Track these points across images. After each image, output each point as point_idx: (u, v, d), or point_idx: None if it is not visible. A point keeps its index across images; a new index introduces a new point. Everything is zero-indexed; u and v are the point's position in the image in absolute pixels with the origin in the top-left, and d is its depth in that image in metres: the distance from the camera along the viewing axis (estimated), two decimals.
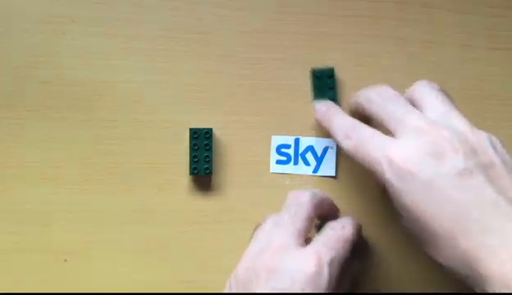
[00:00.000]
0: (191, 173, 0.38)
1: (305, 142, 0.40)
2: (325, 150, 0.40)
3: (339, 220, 0.35)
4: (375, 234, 0.39)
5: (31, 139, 0.38)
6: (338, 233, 0.32)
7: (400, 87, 0.41)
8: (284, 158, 0.40)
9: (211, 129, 0.38)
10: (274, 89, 0.40)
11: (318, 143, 0.40)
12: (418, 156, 0.29)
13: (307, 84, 0.41)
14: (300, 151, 0.40)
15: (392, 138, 0.31)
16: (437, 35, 0.42)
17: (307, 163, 0.40)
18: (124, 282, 0.38)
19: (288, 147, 0.40)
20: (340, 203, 0.39)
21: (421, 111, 0.32)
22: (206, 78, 0.40)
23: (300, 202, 0.33)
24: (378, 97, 0.34)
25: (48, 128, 0.38)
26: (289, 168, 0.40)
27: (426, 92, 0.33)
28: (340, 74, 0.41)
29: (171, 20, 0.40)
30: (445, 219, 0.28)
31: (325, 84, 0.40)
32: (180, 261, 0.38)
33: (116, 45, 0.39)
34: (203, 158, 0.38)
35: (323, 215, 0.36)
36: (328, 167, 0.40)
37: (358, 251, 0.36)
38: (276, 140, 0.40)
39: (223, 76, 0.40)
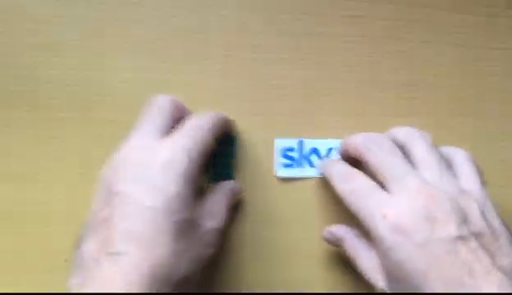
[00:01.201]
0: (212, 180, 0.38)
1: (309, 143, 0.40)
2: (329, 151, 0.40)
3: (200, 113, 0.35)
4: None
5: (31, 139, 0.38)
6: (193, 122, 0.33)
7: (400, 87, 0.42)
8: (289, 161, 0.40)
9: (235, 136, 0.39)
10: (274, 89, 0.40)
11: (322, 145, 0.40)
12: (413, 218, 0.30)
13: (307, 85, 0.41)
14: (304, 153, 0.40)
15: (390, 196, 0.31)
16: (437, 35, 0.42)
17: (311, 165, 0.40)
18: None
19: (292, 149, 0.40)
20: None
21: (412, 164, 0.33)
22: (206, 78, 0.40)
23: (159, 104, 0.34)
24: (376, 148, 0.34)
25: (48, 128, 0.38)
26: (294, 171, 0.40)
27: (421, 148, 0.33)
28: (339, 74, 0.41)
29: (171, 20, 0.40)
30: (437, 280, 0.28)
31: None
32: None
33: (117, 45, 0.39)
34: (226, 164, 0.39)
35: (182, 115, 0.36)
36: None
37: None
38: (280, 143, 0.40)
39: (223, 76, 0.40)
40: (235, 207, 0.39)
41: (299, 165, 0.40)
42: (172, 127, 0.33)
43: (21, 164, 0.38)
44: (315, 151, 0.40)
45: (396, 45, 0.42)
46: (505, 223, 0.31)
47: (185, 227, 0.29)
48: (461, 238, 0.29)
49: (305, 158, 0.40)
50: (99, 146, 0.39)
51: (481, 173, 0.34)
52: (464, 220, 0.30)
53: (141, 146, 0.31)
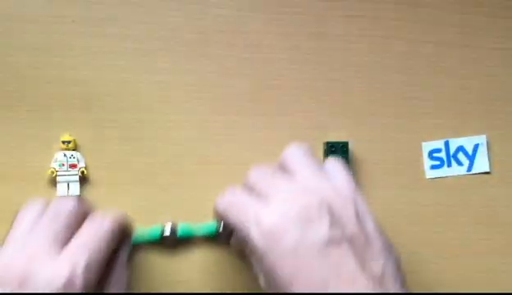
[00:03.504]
0: None
1: (455, 143, 0.41)
2: (475, 147, 0.41)
3: (100, 213, 0.33)
4: None
5: (31, 139, 0.38)
6: (96, 228, 0.32)
7: (400, 86, 0.42)
8: (437, 162, 0.41)
9: (346, 143, 0.39)
10: (274, 89, 0.40)
11: (468, 142, 0.41)
12: (285, 222, 0.29)
13: (307, 84, 0.41)
14: (451, 152, 0.41)
15: (265, 205, 0.31)
16: (437, 35, 0.42)
17: (460, 163, 0.41)
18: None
19: (439, 151, 0.41)
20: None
21: (293, 178, 0.32)
22: (206, 78, 0.40)
23: (60, 210, 0.32)
24: (255, 170, 0.34)
25: (48, 128, 0.38)
26: (443, 171, 0.41)
27: (294, 157, 0.33)
28: (339, 74, 0.41)
29: (171, 20, 0.40)
30: (303, 287, 0.28)
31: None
32: None
33: (117, 45, 0.39)
34: None
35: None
36: (481, 163, 0.41)
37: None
38: (427, 146, 0.41)
39: (223, 76, 0.40)
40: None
41: (448, 165, 0.41)
42: (69, 235, 0.31)
43: (21, 164, 0.38)
44: (462, 149, 0.41)
45: (396, 45, 0.42)
46: (380, 227, 0.30)
47: None
48: (332, 241, 0.28)
49: (453, 157, 0.41)
50: (99, 146, 0.39)
51: (352, 179, 0.33)
52: (336, 221, 0.29)
53: (38, 258, 0.29)
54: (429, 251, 0.40)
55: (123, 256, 0.34)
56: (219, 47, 0.40)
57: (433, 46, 0.42)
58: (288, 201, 0.30)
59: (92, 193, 0.38)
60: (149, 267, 0.38)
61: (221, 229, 0.37)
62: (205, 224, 0.38)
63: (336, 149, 0.39)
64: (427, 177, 0.41)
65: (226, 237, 0.38)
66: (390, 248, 0.30)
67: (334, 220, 0.29)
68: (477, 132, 0.42)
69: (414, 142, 0.41)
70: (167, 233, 0.37)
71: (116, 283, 0.33)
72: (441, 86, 0.42)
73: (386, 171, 0.41)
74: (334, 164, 0.34)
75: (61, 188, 0.38)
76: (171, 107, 0.39)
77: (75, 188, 0.38)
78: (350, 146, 0.40)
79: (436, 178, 0.41)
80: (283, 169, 0.33)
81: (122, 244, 0.34)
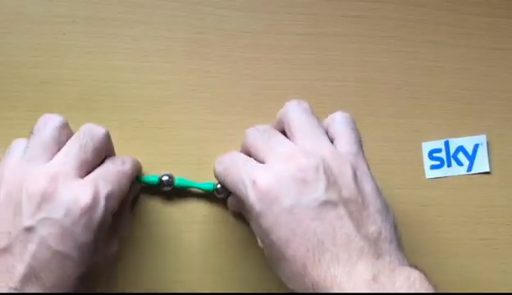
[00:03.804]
0: None
1: (455, 143, 0.41)
2: (475, 147, 0.41)
3: (120, 156, 0.34)
4: None
5: None
6: (118, 167, 0.32)
7: (400, 86, 0.42)
8: (437, 162, 0.41)
9: None
10: (274, 89, 0.40)
11: (468, 142, 0.41)
12: (282, 183, 0.29)
13: (307, 85, 0.41)
14: (451, 152, 0.41)
15: (262, 164, 0.31)
16: (437, 35, 0.42)
17: (460, 163, 0.41)
18: (124, 282, 0.38)
19: (439, 151, 0.41)
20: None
21: (291, 138, 0.32)
22: (206, 78, 0.40)
23: (93, 135, 0.32)
24: (252, 131, 0.33)
25: None
26: (443, 171, 0.41)
27: (293, 116, 0.33)
28: (339, 74, 0.41)
29: (171, 20, 0.40)
30: (299, 247, 0.28)
31: None
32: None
33: (116, 45, 0.39)
34: None
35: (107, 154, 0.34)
36: (481, 163, 0.41)
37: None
38: (427, 146, 0.41)
39: (223, 76, 0.40)
40: None
41: (448, 165, 0.41)
42: (94, 164, 0.32)
43: None
44: (462, 149, 0.41)
45: (396, 45, 0.42)
46: (378, 188, 0.30)
47: (91, 268, 0.29)
48: (328, 202, 0.28)
49: (453, 157, 0.41)
50: None
51: (359, 135, 0.33)
52: (333, 183, 0.29)
53: (60, 179, 0.29)
54: (429, 251, 0.40)
55: (130, 201, 0.36)
56: (219, 47, 0.40)
57: (433, 46, 0.42)
58: (285, 163, 0.30)
59: None
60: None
61: (219, 188, 0.37)
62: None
63: None
64: (427, 177, 0.41)
65: (224, 194, 0.38)
66: (387, 210, 0.30)
67: (330, 183, 0.29)
68: (477, 132, 0.42)
69: (414, 142, 0.41)
70: (165, 178, 0.37)
71: (125, 226, 0.34)
72: (440, 86, 0.42)
73: (386, 171, 0.41)
74: (339, 119, 0.33)
75: None
76: (171, 107, 0.39)
77: None
78: None
79: (435, 178, 0.41)
80: (281, 127, 0.33)
81: (131, 190, 0.35)
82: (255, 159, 0.32)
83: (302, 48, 0.41)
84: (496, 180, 0.41)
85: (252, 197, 0.29)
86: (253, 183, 0.29)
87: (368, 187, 0.30)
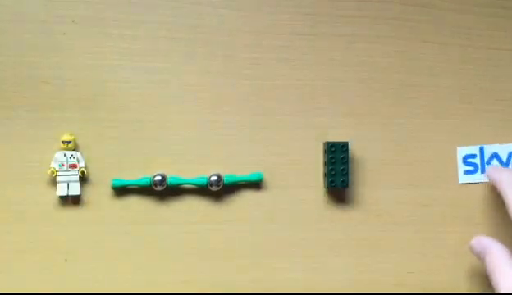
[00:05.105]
0: (329, 185, 0.39)
1: (490, 149, 0.41)
2: (510, 155, 0.41)
3: None
4: None
5: (31, 139, 0.38)
6: None
7: (400, 86, 0.42)
8: (471, 168, 0.41)
9: (347, 143, 0.39)
10: (274, 89, 0.40)
11: (502, 149, 0.41)
12: None
13: (307, 85, 0.41)
14: (486, 159, 0.41)
15: None
16: (437, 35, 0.42)
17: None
18: (124, 282, 0.38)
19: (474, 156, 0.41)
20: None
21: None
22: (206, 78, 0.40)
23: None
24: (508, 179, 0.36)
25: (48, 128, 0.38)
26: (476, 177, 0.41)
27: None
28: (340, 73, 0.41)
29: (171, 21, 0.40)
30: None
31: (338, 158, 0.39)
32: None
33: (116, 45, 0.39)
34: (339, 171, 0.39)
35: None
36: None
37: None
38: (462, 151, 0.41)
39: (223, 76, 0.40)
40: None
41: (481, 171, 0.41)
42: None
43: (21, 164, 0.38)
44: (496, 155, 0.41)
45: (396, 45, 0.42)
46: None
47: None
48: None
49: (487, 164, 0.41)
50: (100, 146, 0.39)
51: None
52: None
53: None
54: (429, 251, 0.40)
55: None
56: (219, 47, 0.40)
57: (434, 46, 0.42)
58: None
59: (92, 193, 0.38)
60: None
61: (212, 180, 0.38)
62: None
63: (336, 149, 0.39)
64: (460, 182, 0.41)
65: (217, 187, 0.38)
66: None
67: None
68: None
69: (414, 142, 0.41)
70: (158, 178, 0.38)
71: None
72: (441, 86, 0.42)
73: (386, 171, 0.41)
74: None
75: (61, 188, 0.38)
76: (171, 107, 0.39)
77: (75, 188, 0.38)
78: (350, 146, 0.40)
79: (467, 183, 0.41)
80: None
81: None
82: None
83: (302, 48, 0.41)
84: None
85: None
86: None
87: None
